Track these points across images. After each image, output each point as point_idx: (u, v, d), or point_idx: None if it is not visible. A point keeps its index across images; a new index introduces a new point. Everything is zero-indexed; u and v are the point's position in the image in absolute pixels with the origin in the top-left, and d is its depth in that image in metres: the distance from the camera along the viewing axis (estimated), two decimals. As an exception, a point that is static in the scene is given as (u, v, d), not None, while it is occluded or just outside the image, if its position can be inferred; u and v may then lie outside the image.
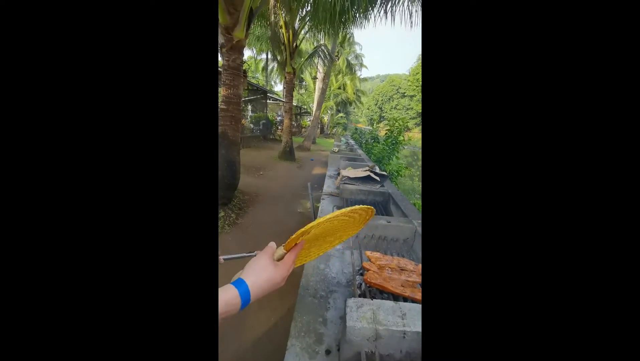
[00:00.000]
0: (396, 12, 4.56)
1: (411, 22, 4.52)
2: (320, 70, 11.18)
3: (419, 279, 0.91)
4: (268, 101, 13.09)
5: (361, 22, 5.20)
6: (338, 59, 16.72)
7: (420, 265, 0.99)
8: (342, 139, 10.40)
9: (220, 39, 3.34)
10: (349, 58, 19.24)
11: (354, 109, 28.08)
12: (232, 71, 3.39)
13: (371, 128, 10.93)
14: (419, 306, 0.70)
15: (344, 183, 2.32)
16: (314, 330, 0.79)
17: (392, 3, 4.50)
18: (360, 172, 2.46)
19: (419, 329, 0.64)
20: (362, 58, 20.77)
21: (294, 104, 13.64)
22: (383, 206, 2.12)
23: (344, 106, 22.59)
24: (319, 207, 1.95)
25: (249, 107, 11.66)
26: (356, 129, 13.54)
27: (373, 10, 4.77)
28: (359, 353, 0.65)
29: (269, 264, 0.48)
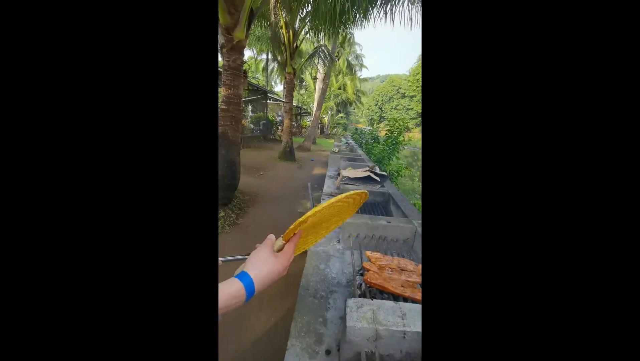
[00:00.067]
0: (396, 13, 4.57)
1: (411, 23, 4.52)
2: (321, 70, 11.18)
3: (419, 279, 0.91)
4: (268, 101, 13.09)
5: (361, 23, 5.21)
6: (338, 60, 16.74)
7: (420, 265, 0.99)
8: (342, 139, 10.40)
9: (221, 40, 3.34)
10: (349, 58, 19.26)
11: (354, 109, 28.08)
12: (232, 71, 3.39)
13: (371, 128, 10.94)
14: (419, 307, 0.70)
15: (344, 183, 2.32)
16: (314, 330, 0.79)
17: (392, 4, 4.50)
18: (361, 173, 2.46)
19: (419, 329, 0.63)
20: (363, 58, 20.80)
21: (294, 104, 13.66)
22: (383, 206, 2.12)
23: (344, 106, 22.60)
24: (319, 207, 1.94)
25: (249, 107, 11.66)
26: (356, 129, 13.53)
27: (373, 11, 4.78)
28: (359, 353, 0.65)
29: (270, 256, 0.49)
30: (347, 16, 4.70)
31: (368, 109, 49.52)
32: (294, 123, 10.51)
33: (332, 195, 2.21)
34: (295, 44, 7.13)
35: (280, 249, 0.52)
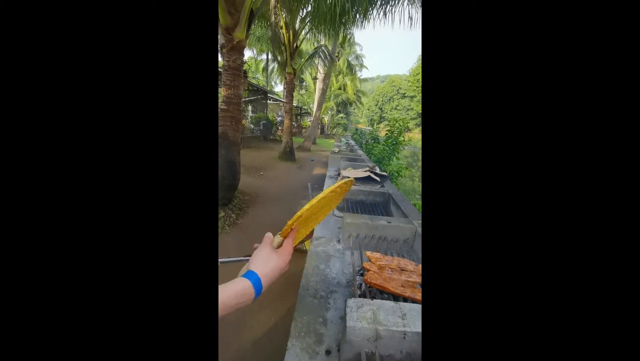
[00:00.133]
0: (395, 13, 4.58)
1: (411, 23, 4.52)
2: (321, 70, 11.18)
3: (419, 279, 0.91)
4: (268, 101, 13.08)
5: (361, 23, 5.21)
6: (338, 60, 16.74)
7: (420, 265, 0.99)
8: (343, 139, 10.39)
9: (221, 40, 3.34)
10: (350, 59, 19.27)
11: (354, 109, 28.08)
12: (232, 71, 3.39)
13: (371, 129, 10.93)
14: (419, 307, 0.70)
15: (344, 184, 2.31)
16: (314, 330, 0.79)
17: (392, 4, 4.51)
18: (361, 173, 2.46)
19: (419, 329, 0.63)
20: (363, 59, 20.81)
21: (295, 104, 13.65)
22: (383, 206, 2.12)
23: (344, 106, 22.61)
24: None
25: (250, 107, 11.65)
26: (356, 129, 13.52)
27: (373, 11, 4.78)
28: (359, 354, 0.65)
29: (271, 253, 0.52)
30: (347, 16, 4.70)
31: (368, 110, 49.52)
32: (294, 123, 10.51)
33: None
34: (295, 44, 7.13)
35: (279, 246, 0.54)
